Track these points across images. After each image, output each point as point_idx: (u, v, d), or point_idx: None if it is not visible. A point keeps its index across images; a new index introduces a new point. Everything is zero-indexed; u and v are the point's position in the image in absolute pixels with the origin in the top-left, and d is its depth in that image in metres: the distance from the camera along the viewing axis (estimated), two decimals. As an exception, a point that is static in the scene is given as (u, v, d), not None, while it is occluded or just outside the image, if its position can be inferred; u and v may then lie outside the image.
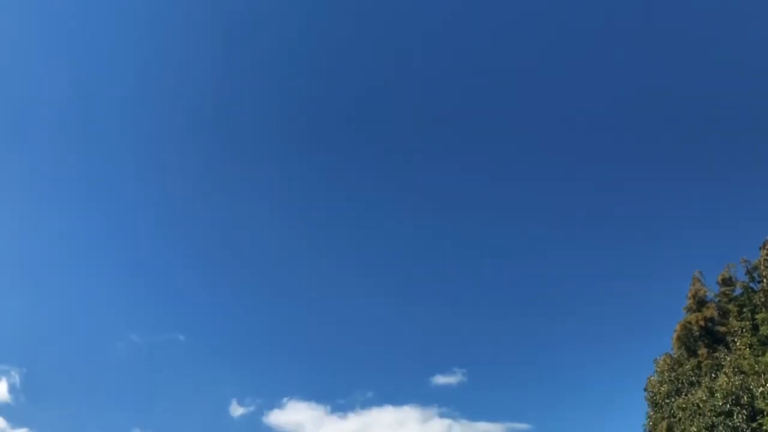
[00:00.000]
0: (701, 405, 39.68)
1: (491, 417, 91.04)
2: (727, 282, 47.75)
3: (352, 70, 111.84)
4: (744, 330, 43.13)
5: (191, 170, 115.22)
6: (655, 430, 44.45)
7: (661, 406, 44.95)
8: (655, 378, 47.41)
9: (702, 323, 46.22)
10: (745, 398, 37.77)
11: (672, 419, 42.71)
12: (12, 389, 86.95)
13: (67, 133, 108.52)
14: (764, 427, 35.82)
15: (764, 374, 37.89)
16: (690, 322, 46.83)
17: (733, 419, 37.61)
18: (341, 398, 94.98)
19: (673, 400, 43.76)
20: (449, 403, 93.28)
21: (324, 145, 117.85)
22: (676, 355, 47.32)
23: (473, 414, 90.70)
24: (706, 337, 46.02)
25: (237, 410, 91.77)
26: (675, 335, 47.64)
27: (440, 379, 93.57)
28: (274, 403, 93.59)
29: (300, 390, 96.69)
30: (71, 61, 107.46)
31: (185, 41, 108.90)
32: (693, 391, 42.11)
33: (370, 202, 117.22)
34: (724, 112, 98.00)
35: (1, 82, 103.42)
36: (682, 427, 40.38)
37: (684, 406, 41.37)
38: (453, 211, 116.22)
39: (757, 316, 42.88)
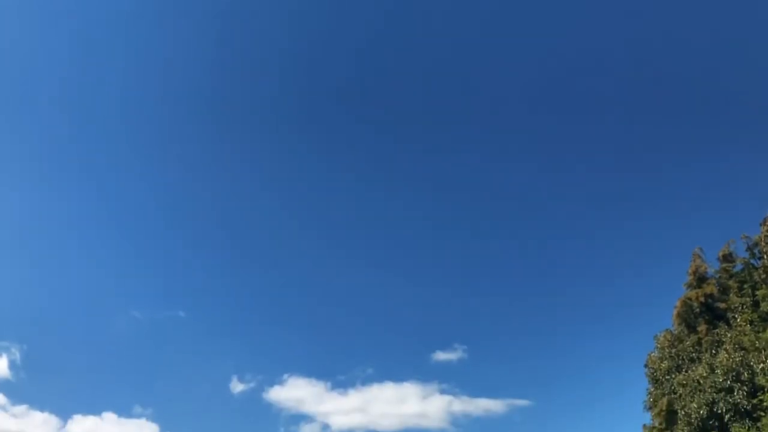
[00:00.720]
0: (702, 381, 39.81)
1: (492, 393, 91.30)
2: (728, 258, 47.59)
3: (353, 57, 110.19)
4: (744, 306, 43.05)
5: (191, 150, 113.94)
6: (656, 406, 44.77)
7: (662, 383, 45.19)
8: (655, 354, 47.58)
9: (702, 299, 46.22)
10: (746, 374, 37.83)
11: (672, 395, 42.96)
12: (12, 366, 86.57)
13: (69, 117, 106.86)
14: (765, 404, 35.99)
15: (765, 350, 37.92)
16: (690, 299, 46.84)
17: (734, 395, 37.75)
18: (341, 374, 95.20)
19: (673, 376, 43.93)
20: (450, 380, 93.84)
21: (324, 127, 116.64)
22: (676, 332, 47.41)
23: (474, 390, 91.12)
24: (706, 314, 46.08)
25: (237, 386, 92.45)
26: (675, 311, 47.66)
27: (441, 356, 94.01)
28: (275, 379, 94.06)
29: (300, 366, 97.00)
30: (70, 48, 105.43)
31: (181, 26, 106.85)
32: (693, 368, 42.25)
33: (370, 181, 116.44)
34: (723, 87, 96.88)
35: (2, 67, 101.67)
36: (683, 403, 40.57)
37: (684, 382, 41.53)
38: (453, 191, 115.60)
39: (757, 293, 42.71)
